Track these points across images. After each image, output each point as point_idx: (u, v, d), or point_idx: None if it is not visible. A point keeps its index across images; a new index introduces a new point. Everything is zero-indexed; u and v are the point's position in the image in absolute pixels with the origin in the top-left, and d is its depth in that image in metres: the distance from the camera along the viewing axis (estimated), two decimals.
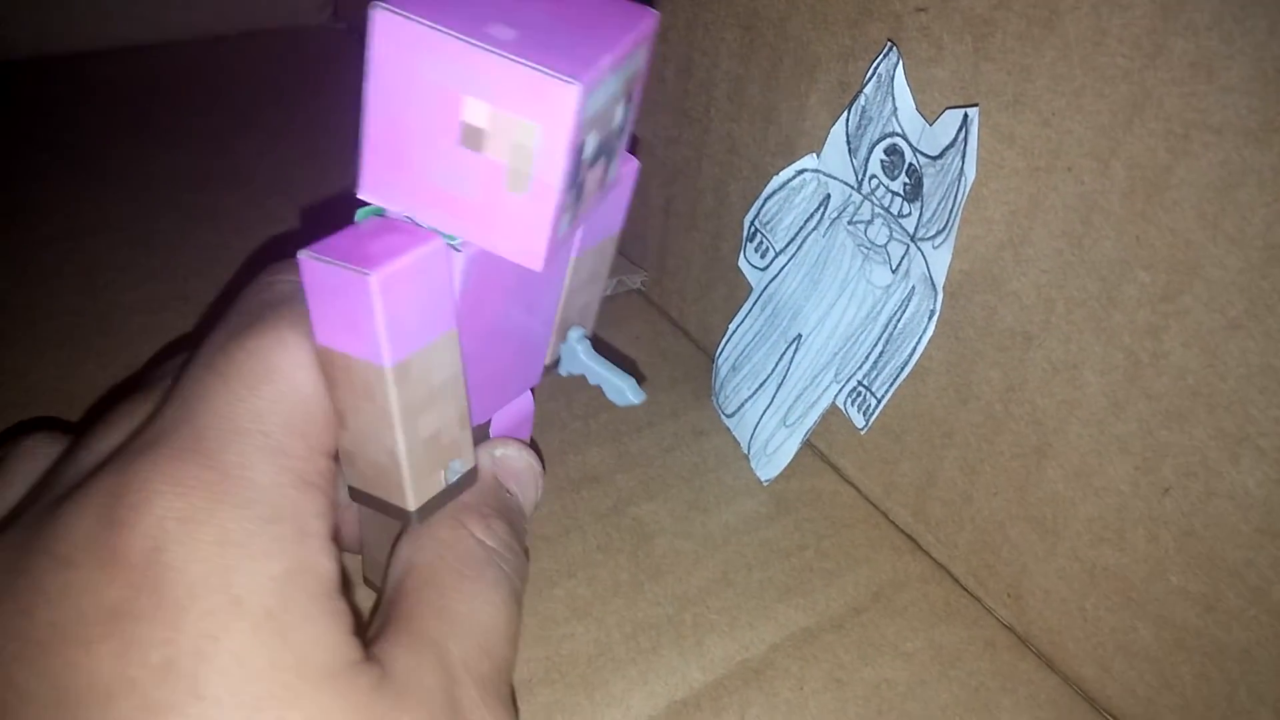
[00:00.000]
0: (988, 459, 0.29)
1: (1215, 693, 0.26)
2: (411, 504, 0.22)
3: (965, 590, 0.32)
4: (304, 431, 0.20)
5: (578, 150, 0.18)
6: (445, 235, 0.19)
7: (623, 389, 0.25)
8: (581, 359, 0.25)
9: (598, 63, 0.18)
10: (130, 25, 0.55)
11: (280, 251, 0.21)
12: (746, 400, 0.35)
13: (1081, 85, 0.23)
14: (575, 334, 0.25)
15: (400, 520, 0.22)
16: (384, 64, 0.18)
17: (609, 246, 0.25)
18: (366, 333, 0.19)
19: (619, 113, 0.19)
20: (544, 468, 0.26)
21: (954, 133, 0.26)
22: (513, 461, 0.25)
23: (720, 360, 0.37)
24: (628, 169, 0.23)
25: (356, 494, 0.22)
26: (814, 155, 0.31)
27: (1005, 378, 0.28)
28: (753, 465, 0.35)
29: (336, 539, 0.21)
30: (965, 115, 0.25)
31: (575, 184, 0.19)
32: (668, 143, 0.38)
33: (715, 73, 0.34)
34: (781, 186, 0.32)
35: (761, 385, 0.35)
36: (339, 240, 0.19)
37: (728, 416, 0.37)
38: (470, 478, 0.23)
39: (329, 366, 0.20)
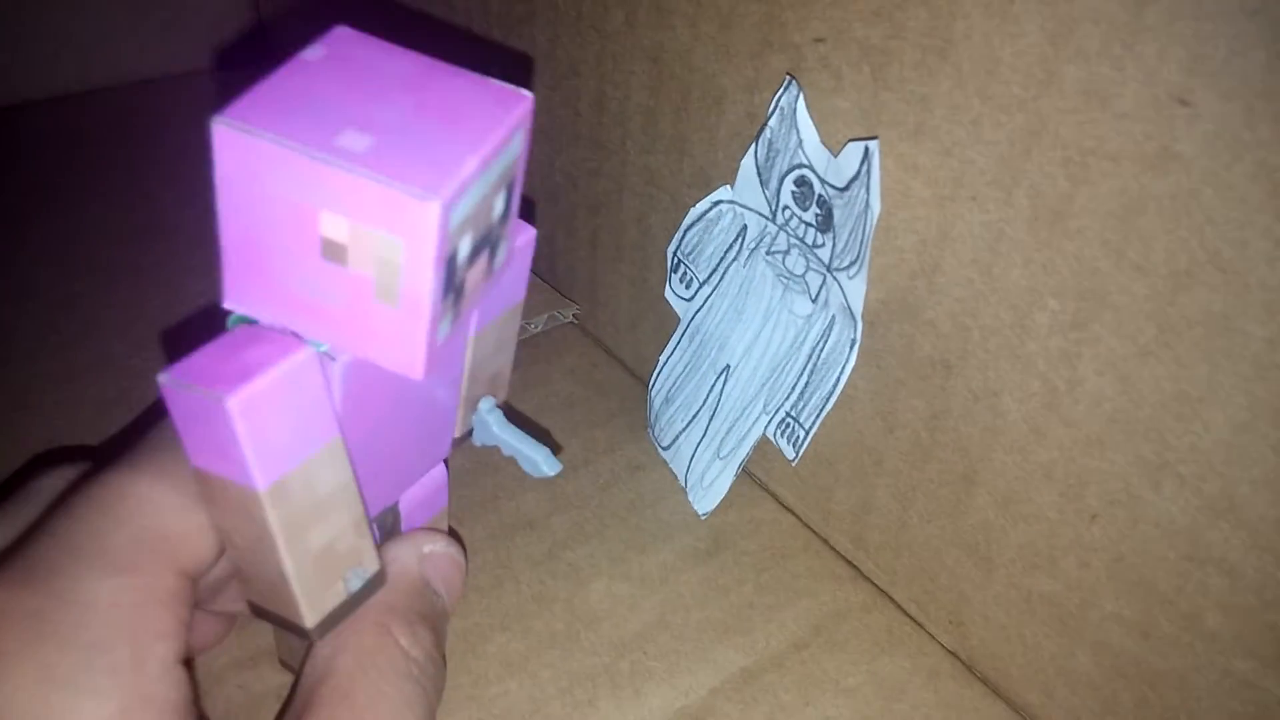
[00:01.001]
0: (919, 486, 0.29)
1: (1155, 718, 0.25)
2: (308, 621, 0.20)
3: (908, 617, 0.32)
4: (153, 548, 0.19)
5: (447, 261, 0.17)
6: (317, 344, 0.18)
7: (536, 461, 0.24)
8: (494, 431, 0.24)
9: (460, 170, 0.16)
10: (38, 77, 0.54)
11: (203, 306, 0.20)
12: (681, 432, 0.35)
13: (979, 115, 0.23)
14: (485, 405, 0.25)
15: (302, 637, 0.21)
16: (232, 179, 0.17)
17: (513, 316, 0.24)
18: (234, 457, 0.18)
19: (498, 204, 0.18)
20: (466, 555, 0.25)
21: (858, 165, 0.25)
22: (440, 561, 0.24)
23: (653, 393, 0.36)
24: (523, 240, 0.22)
25: (255, 609, 0.21)
26: (728, 187, 0.30)
27: (929, 406, 0.27)
28: (690, 499, 0.35)
29: (189, 657, 0.20)
30: (866, 149, 0.25)
31: (451, 289, 0.18)
32: (589, 175, 0.37)
33: (628, 105, 0.33)
34: (699, 218, 0.32)
35: (694, 417, 0.34)
36: (202, 357, 0.18)
37: (664, 449, 0.36)
38: (377, 581, 0.22)
39: (206, 487, 0.19)
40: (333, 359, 0.19)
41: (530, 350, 0.41)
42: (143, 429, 0.21)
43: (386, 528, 0.24)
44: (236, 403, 0.17)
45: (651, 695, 0.29)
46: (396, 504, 0.24)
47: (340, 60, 0.18)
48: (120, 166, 0.50)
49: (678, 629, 0.31)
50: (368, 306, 0.17)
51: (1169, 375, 0.22)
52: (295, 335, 0.18)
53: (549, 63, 0.36)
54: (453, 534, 0.26)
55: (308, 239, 0.17)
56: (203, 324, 0.20)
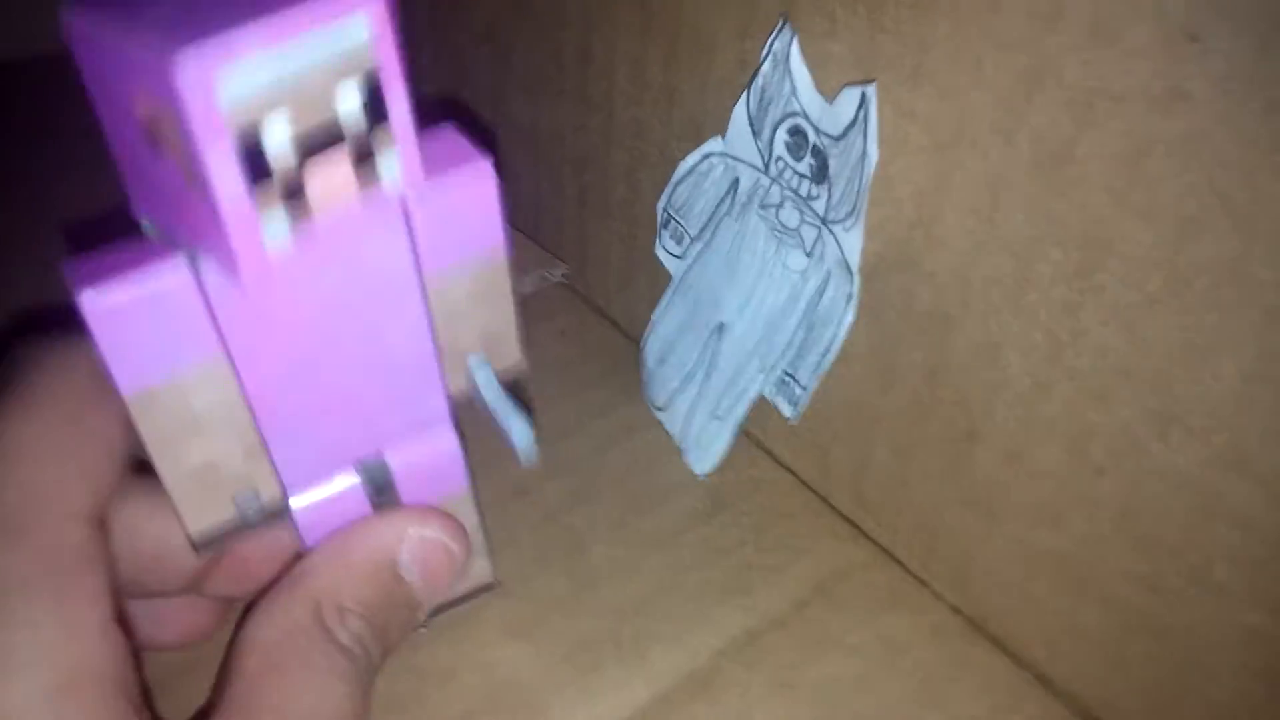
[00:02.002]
0: (919, 443, 0.28)
1: (1165, 672, 0.25)
2: (189, 527, 0.20)
3: (911, 575, 0.31)
4: (49, 502, 0.18)
5: (239, 139, 0.16)
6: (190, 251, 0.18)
7: (509, 431, 0.23)
8: (477, 390, 0.23)
9: (230, 35, 0.15)
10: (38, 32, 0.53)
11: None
12: (675, 392, 0.34)
13: (979, 56, 0.22)
14: (473, 360, 0.23)
15: (192, 549, 0.21)
16: (87, 72, 0.17)
17: (491, 264, 0.22)
18: (101, 356, 0.18)
19: (344, 94, 0.17)
20: (468, 547, 0.24)
21: (854, 111, 0.24)
22: (427, 545, 0.23)
23: (646, 353, 0.35)
24: (472, 172, 0.20)
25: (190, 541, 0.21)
26: (719, 138, 0.30)
27: (928, 360, 0.27)
28: (687, 459, 0.34)
29: (122, 616, 0.19)
30: (863, 93, 0.24)
31: (269, 178, 0.16)
32: (575, 130, 0.36)
33: (614, 55, 0.32)
34: (690, 171, 0.31)
35: (689, 376, 0.34)
36: (99, 256, 0.18)
37: (658, 410, 0.35)
38: (279, 514, 0.22)
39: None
40: (193, 267, 0.18)
41: (520, 312, 0.40)
42: None
43: (377, 484, 0.23)
44: (89, 301, 0.17)
45: (657, 658, 0.29)
46: (384, 464, 0.23)
47: None
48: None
49: (679, 591, 0.30)
50: (188, 197, 0.17)
51: (1177, 325, 0.21)
52: (172, 247, 0.18)
53: (530, 16, 0.35)
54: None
55: (137, 128, 0.17)
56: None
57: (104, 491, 0.20)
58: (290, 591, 0.21)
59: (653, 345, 0.35)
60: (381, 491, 0.23)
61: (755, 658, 0.29)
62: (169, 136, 0.16)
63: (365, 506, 0.23)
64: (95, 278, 0.17)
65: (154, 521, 0.22)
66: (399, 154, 0.18)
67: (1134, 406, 0.23)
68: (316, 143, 0.17)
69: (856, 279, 0.27)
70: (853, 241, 0.26)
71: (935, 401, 0.27)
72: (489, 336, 0.23)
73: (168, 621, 0.25)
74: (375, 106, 0.17)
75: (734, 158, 0.29)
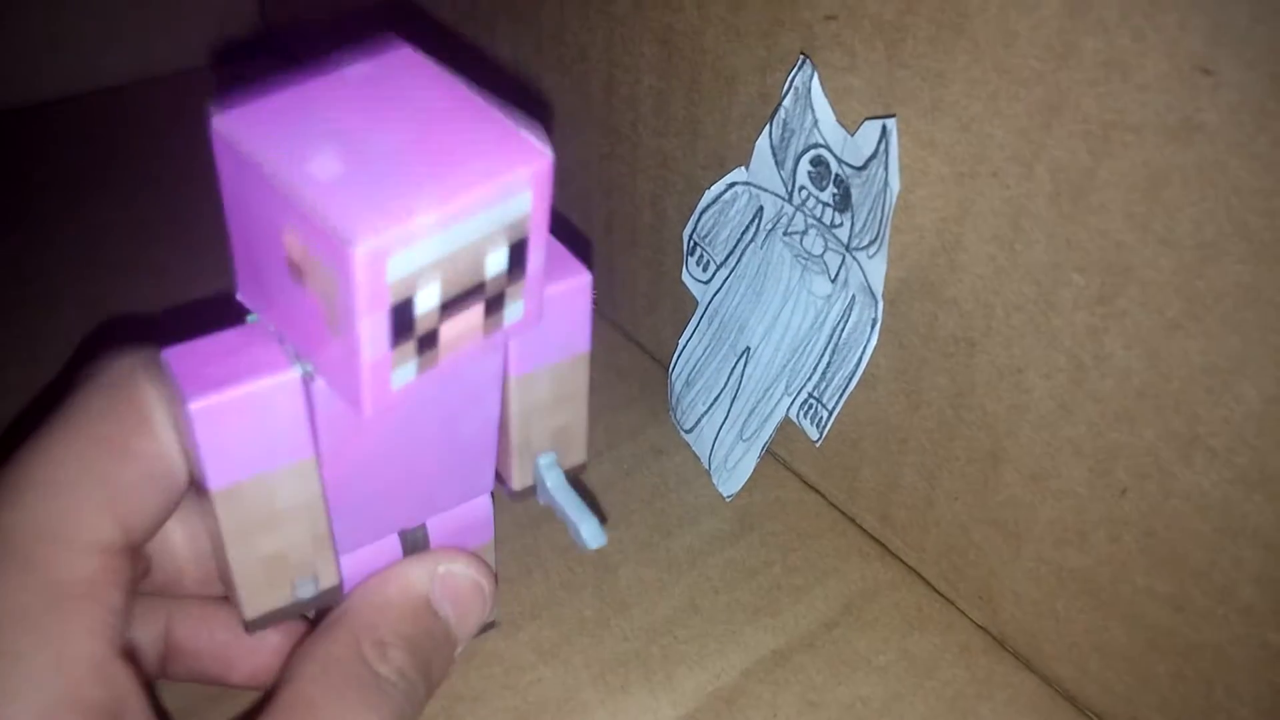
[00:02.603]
0: (945, 464, 0.29)
1: (1192, 691, 0.25)
2: (246, 614, 0.21)
3: (938, 594, 0.31)
4: (57, 533, 0.18)
5: (396, 308, 0.16)
6: (304, 364, 0.18)
7: (579, 530, 0.23)
8: (547, 489, 0.23)
9: (407, 219, 0.16)
10: (42, 79, 0.54)
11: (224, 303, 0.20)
12: (703, 415, 0.35)
13: (996, 89, 0.23)
14: (544, 460, 0.24)
15: (241, 620, 0.21)
16: (225, 174, 0.17)
17: (576, 367, 0.23)
18: (195, 451, 0.18)
19: (494, 258, 0.17)
20: (495, 584, 0.25)
21: (875, 143, 0.25)
22: (457, 580, 0.23)
23: (674, 375, 0.36)
24: (572, 285, 0.21)
25: (220, 575, 0.22)
26: (743, 168, 0.30)
27: (953, 383, 0.27)
28: (714, 481, 0.35)
29: (132, 651, 0.19)
30: (884, 127, 0.24)
31: (410, 337, 0.17)
32: (601, 159, 0.37)
33: (638, 88, 0.33)
34: (715, 200, 0.32)
35: (716, 399, 0.34)
36: (202, 346, 0.18)
37: (686, 432, 0.36)
38: (332, 596, 0.22)
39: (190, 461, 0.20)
40: (312, 379, 0.18)
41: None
42: None
43: (412, 544, 0.24)
44: (196, 408, 0.17)
45: (684, 679, 0.29)
46: (423, 526, 0.24)
47: (374, 78, 0.17)
48: (131, 166, 0.50)
49: (707, 612, 0.31)
50: (323, 331, 0.17)
51: (1198, 348, 0.21)
52: (287, 351, 0.18)
53: (557, 47, 0.36)
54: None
55: (278, 251, 0.17)
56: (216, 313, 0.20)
57: (137, 518, 0.19)
58: (328, 631, 0.22)
59: (680, 369, 0.35)
60: (414, 545, 0.24)
61: (783, 678, 0.29)
62: (318, 281, 0.16)
63: (398, 553, 0.24)
64: (204, 378, 0.17)
65: (189, 527, 0.23)
66: (524, 301, 0.19)
67: (1157, 428, 0.23)
68: (457, 306, 0.17)
69: (880, 304, 0.27)
70: (876, 268, 0.27)
71: (960, 423, 0.28)
72: (560, 434, 0.24)
73: (235, 661, 0.25)
74: (515, 268, 0.18)
75: (758, 187, 0.30)
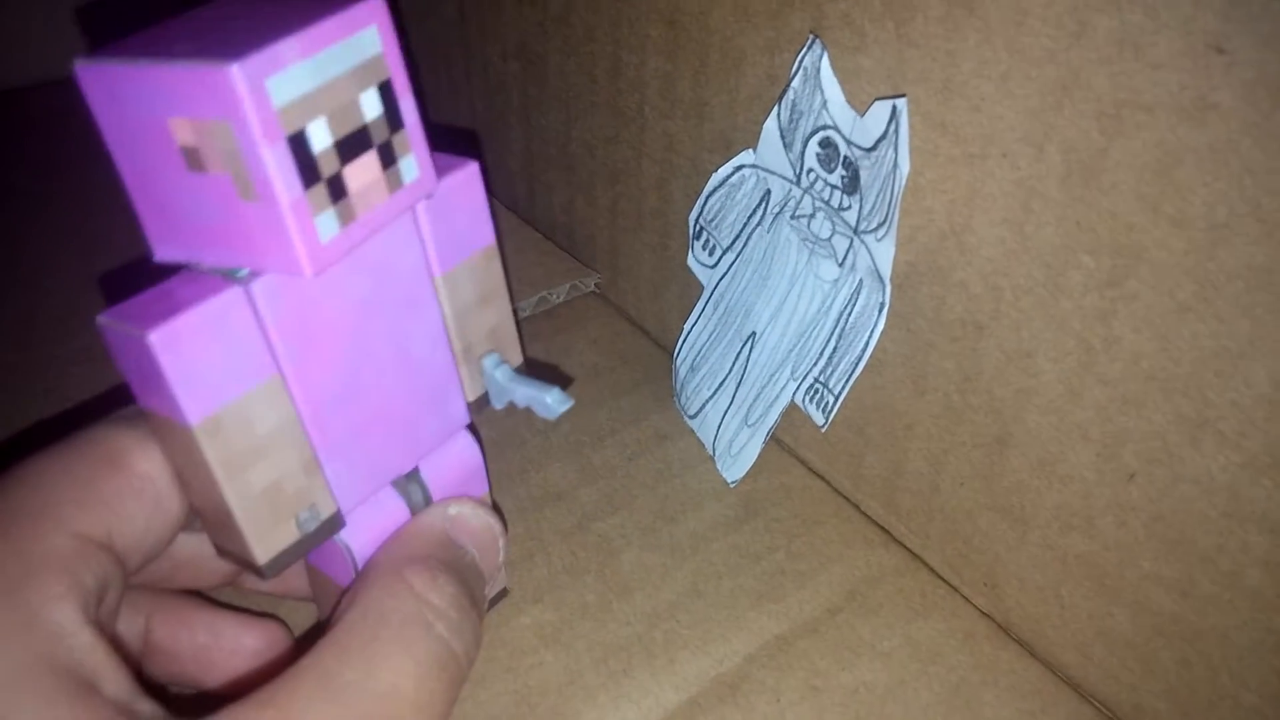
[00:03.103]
0: (951, 449, 0.29)
1: (1197, 677, 0.25)
2: (259, 558, 0.21)
3: (942, 580, 0.31)
4: (35, 515, 0.18)
5: (290, 141, 0.17)
6: (233, 272, 0.19)
7: (546, 401, 0.23)
8: (500, 383, 0.24)
9: (271, 46, 0.17)
10: (47, 59, 0.54)
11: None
12: (707, 401, 0.35)
13: (1007, 69, 0.22)
14: (490, 362, 0.24)
15: (257, 574, 0.21)
16: (105, 116, 0.18)
17: (486, 261, 0.23)
18: (166, 392, 0.18)
19: (367, 101, 0.18)
20: (506, 528, 0.25)
21: (884, 124, 0.25)
22: (468, 520, 0.24)
23: (678, 361, 0.36)
24: (462, 175, 0.22)
25: (221, 550, 0.21)
26: (750, 151, 0.30)
27: (960, 368, 0.27)
28: (718, 467, 0.34)
29: (111, 630, 0.19)
30: (894, 107, 0.24)
31: (315, 177, 0.18)
32: (606, 142, 0.37)
33: (644, 70, 0.33)
34: (721, 183, 0.31)
35: (721, 385, 0.34)
36: (139, 298, 0.19)
37: (690, 418, 0.36)
38: (332, 525, 0.22)
39: (156, 428, 0.20)
40: (241, 284, 0.19)
41: (552, 320, 0.41)
42: None
43: (414, 502, 0.24)
44: (157, 337, 0.18)
45: (686, 664, 0.29)
46: (417, 472, 0.24)
47: (222, 9, 0.19)
48: None
49: (710, 597, 0.31)
50: (239, 210, 0.18)
51: (1209, 331, 0.21)
52: (222, 275, 0.19)
53: (563, 29, 0.36)
54: (495, 508, 0.25)
55: (172, 154, 0.18)
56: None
57: (123, 525, 0.20)
58: (368, 574, 0.21)
59: (685, 354, 0.35)
60: (415, 503, 0.24)
61: (786, 663, 0.29)
62: (217, 154, 0.17)
63: (406, 514, 0.24)
64: (152, 315, 0.18)
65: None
66: (415, 157, 0.20)
67: (1166, 412, 0.23)
68: (350, 149, 0.18)
69: (888, 288, 0.27)
70: (884, 251, 0.27)
71: (967, 408, 0.27)
72: (495, 337, 0.24)
73: (214, 665, 0.25)
74: (391, 115, 0.19)
75: (765, 170, 0.30)
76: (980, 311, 0.26)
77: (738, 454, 0.33)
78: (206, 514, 0.21)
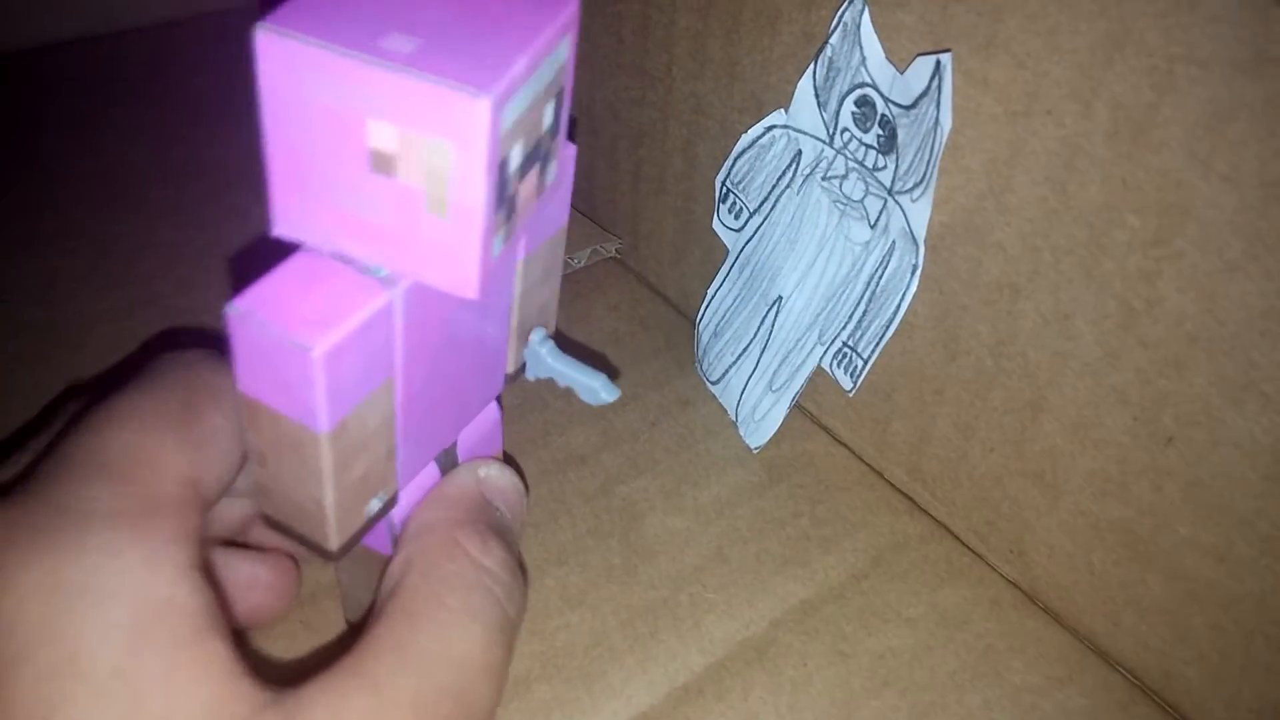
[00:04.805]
0: (981, 415, 0.28)
1: (1230, 644, 0.25)
2: (333, 545, 0.20)
3: (967, 548, 0.31)
4: (147, 459, 0.19)
5: (499, 167, 0.16)
6: (372, 269, 0.18)
7: (594, 388, 0.23)
8: (548, 362, 0.24)
9: (509, 68, 0.16)
10: (78, 17, 0.53)
11: (242, 246, 0.20)
12: (730, 366, 0.34)
13: (1056, 23, 0.22)
14: (537, 336, 0.24)
15: (318, 555, 0.21)
16: (277, 90, 0.16)
17: (558, 241, 0.23)
18: (302, 399, 0.17)
19: (547, 113, 0.18)
20: (527, 487, 0.25)
21: (927, 80, 0.24)
22: (497, 481, 0.24)
23: (701, 326, 0.35)
24: (565, 155, 0.21)
25: (271, 522, 0.21)
26: (782, 111, 0.30)
27: (994, 331, 0.27)
28: (741, 433, 0.34)
29: (208, 568, 0.19)
30: (938, 62, 0.24)
31: (504, 200, 0.17)
32: (632, 104, 0.36)
33: (674, 29, 0.33)
34: (751, 144, 0.31)
35: (745, 350, 0.34)
36: (270, 289, 0.17)
37: (713, 384, 0.35)
38: (390, 505, 0.22)
39: (252, 413, 0.19)
40: (384, 283, 0.18)
41: (572, 286, 0.41)
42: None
43: (443, 464, 0.24)
44: (323, 354, 0.17)
45: (713, 627, 0.29)
46: (454, 445, 0.24)
47: None
48: (154, 107, 0.50)
49: (735, 561, 0.31)
50: (419, 220, 0.17)
51: (1257, 291, 0.21)
52: (359, 269, 0.18)
53: None
54: (509, 462, 0.25)
55: (355, 151, 0.16)
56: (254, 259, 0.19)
57: (209, 470, 0.20)
58: (419, 536, 0.21)
59: (708, 319, 0.35)
60: (446, 468, 0.24)
61: (813, 628, 0.29)
62: (418, 168, 0.16)
63: (438, 475, 0.24)
64: (307, 325, 0.17)
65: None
66: (556, 161, 0.19)
67: (1209, 374, 0.23)
68: (528, 166, 0.18)
69: (922, 249, 0.27)
70: (920, 212, 0.26)
71: (1000, 372, 0.27)
72: (542, 310, 0.24)
73: (233, 600, 0.25)
74: (557, 124, 0.18)
75: (797, 130, 0.29)
76: (1017, 273, 0.26)
77: (761, 420, 0.33)
78: (279, 497, 0.20)
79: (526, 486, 0.25)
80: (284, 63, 0.16)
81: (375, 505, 0.21)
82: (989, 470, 0.29)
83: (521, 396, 0.36)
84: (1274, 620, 0.24)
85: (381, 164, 0.16)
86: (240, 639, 0.24)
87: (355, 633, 0.21)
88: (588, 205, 0.42)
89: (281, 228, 0.18)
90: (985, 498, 0.30)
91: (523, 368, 0.25)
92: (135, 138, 0.47)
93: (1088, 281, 0.24)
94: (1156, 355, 0.23)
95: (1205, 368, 0.23)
